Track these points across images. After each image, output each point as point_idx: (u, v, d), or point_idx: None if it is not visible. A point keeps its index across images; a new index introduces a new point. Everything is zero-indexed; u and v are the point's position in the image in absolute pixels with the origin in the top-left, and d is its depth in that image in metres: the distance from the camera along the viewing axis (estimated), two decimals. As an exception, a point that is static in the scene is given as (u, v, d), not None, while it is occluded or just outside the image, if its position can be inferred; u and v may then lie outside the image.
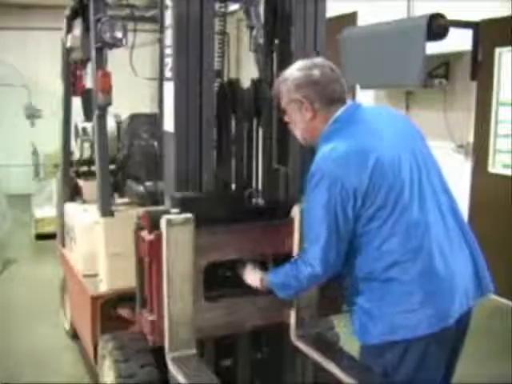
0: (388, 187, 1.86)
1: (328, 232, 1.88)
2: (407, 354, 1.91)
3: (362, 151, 1.87)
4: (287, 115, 2.10)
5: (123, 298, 2.81)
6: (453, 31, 4.53)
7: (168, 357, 2.16)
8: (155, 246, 2.13)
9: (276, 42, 2.50)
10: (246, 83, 2.56)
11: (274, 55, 2.53)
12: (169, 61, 2.22)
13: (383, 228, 1.87)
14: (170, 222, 2.10)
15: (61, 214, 3.78)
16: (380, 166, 1.85)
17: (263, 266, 2.35)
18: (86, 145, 3.63)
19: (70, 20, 3.47)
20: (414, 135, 2.06)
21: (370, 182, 1.84)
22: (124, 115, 3.55)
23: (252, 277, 2.28)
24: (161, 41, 2.33)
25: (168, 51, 2.22)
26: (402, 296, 1.89)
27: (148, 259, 2.17)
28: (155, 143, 3.28)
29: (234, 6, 4.46)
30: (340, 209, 1.85)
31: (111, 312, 2.92)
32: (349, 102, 2.04)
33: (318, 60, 2.07)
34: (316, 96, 1.98)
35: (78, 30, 3.32)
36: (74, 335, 3.81)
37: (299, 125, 2.06)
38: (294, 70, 2.03)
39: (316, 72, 1.99)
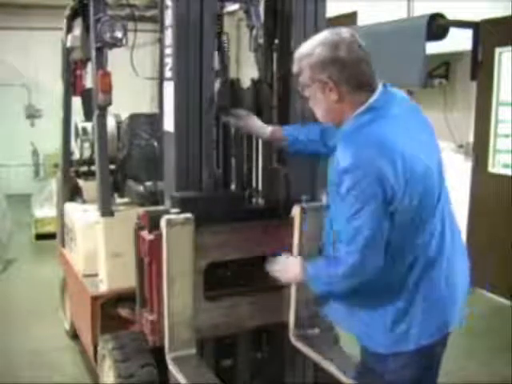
0: (422, 196, 1.76)
1: (370, 229, 1.72)
2: (419, 360, 1.88)
3: (401, 153, 1.71)
4: (307, 90, 1.87)
5: (123, 298, 2.81)
6: (453, 31, 4.53)
7: (168, 357, 2.16)
8: (155, 246, 2.13)
9: (276, 41, 2.50)
10: (246, 83, 2.56)
11: (274, 55, 2.53)
12: (169, 61, 2.22)
13: (417, 235, 1.80)
14: (169, 222, 2.10)
15: (61, 214, 3.78)
16: (419, 174, 1.74)
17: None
18: (86, 145, 3.63)
19: (70, 20, 3.47)
20: (435, 141, 1.97)
21: (405, 187, 1.71)
22: (124, 115, 3.55)
23: (293, 267, 2.04)
24: (161, 41, 2.33)
25: (168, 51, 2.23)
26: (434, 297, 1.84)
27: (148, 259, 2.17)
28: (155, 143, 3.28)
29: (233, 6, 4.47)
30: (382, 208, 1.70)
31: (111, 312, 2.92)
32: (379, 87, 1.84)
33: (345, 33, 1.80)
34: (342, 78, 1.77)
35: (78, 30, 3.32)
36: (74, 335, 3.81)
37: (321, 105, 1.86)
38: (318, 45, 1.79)
39: (343, 50, 1.76)
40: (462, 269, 1.96)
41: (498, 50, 4.74)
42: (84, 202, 3.53)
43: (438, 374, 2.00)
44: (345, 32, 1.82)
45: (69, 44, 3.47)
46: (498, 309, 4.51)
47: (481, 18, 4.75)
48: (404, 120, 1.82)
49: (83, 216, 3.30)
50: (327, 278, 1.89)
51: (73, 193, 3.68)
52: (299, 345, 2.37)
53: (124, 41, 2.83)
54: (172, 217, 2.12)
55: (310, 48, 1.82)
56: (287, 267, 2.07)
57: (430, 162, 1.82)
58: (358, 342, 1.97)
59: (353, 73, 1.78)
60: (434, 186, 1.82)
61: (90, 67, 3.18)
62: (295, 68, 1.88)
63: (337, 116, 1.85)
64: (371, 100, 1.80)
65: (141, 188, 3.09)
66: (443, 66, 5.12)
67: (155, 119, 3.07)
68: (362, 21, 6.14)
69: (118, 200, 3.24)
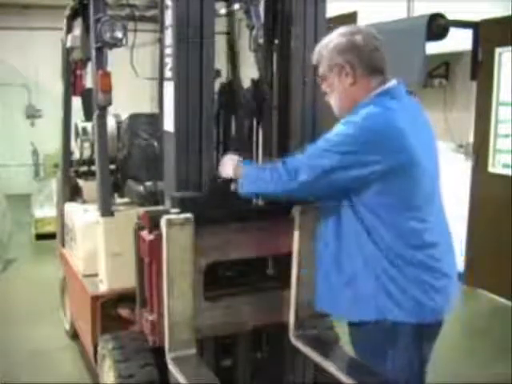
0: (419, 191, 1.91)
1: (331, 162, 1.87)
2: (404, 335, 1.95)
3: (404, 132, 1.85)
4: (326, 82, 2.04)
5: (123, 297, 2.81)
6: (453, 31, 4.53)
7: (168, 357, 2.16)
8: (155, 245, 2.13)
9: (276, 41, 2.50)
10: (246, 83, 2.56)
11: (274, 55, 2.53)
12: (169, 61, 2.22)
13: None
14: (169, 222, 2.10)
15: (61, 214, 3.78)
16: (422, 171, 1.89)
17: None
18: (86, 145, 3.64)
19: (70, 20, 3.47)
20: (435, 142, 2.10)
21: (401, 162, 1.84)
22: (124, 115, 3.55)
23: (228, 165, 2.24)
24: (161, 41, 2.33)
25: (168, 51, 2.23)
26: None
27: (148, 259, 2.17)
28: (155, 143, 3.28)
29: (234, 6, 4.46)
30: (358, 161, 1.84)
31: (111, 312, 2.92)
32: (394, 80, 1.99)
33: (362, 27, 2.05)
34: (359, 62, 1.94)
35: (78, 30, 3.32)
36: (74, 335, 3.81)
37: (337, 91, 2.00)
38: (336, 35, 1.98)
39: (359, 38, 1.94)
40: (453, 263, 2.08)
41: (497, 50, 4.75)
42: (84, 202, 3.53)
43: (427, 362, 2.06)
44: (362, 26, 2.08)
45: (69, 44, 3.48)
46: (498, 309, 4.52)
47: (481, 18, 4.75)
48: (412, 115, 1.96)
49: (83, 216, 3.30)
50: (268, 174, 2.02)
51: (73, 193, 3.68)
52: (299, 345, 2.37)
53: (124, 41, 2.83)
54: (172, 217, 2.12)
55: (328, 39, 2.00)
56: (226, 161, 2.25)
57: (428, 160, 1.95)
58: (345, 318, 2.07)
59: (367, 58, 1.94)
60: (428, 182, 1.94)
61: (90, 67, 3.18)
62: (314, 59, 2.04)
63: (350, 101, 1.97)
64: (388, 85, 1.95)
65: (141, 188, 3.09)
66: (443, 66, 5.12)
67: (155, 119, 3.07)
68: (362, 21, 6.14)
69: (118, 200, 3.24)
